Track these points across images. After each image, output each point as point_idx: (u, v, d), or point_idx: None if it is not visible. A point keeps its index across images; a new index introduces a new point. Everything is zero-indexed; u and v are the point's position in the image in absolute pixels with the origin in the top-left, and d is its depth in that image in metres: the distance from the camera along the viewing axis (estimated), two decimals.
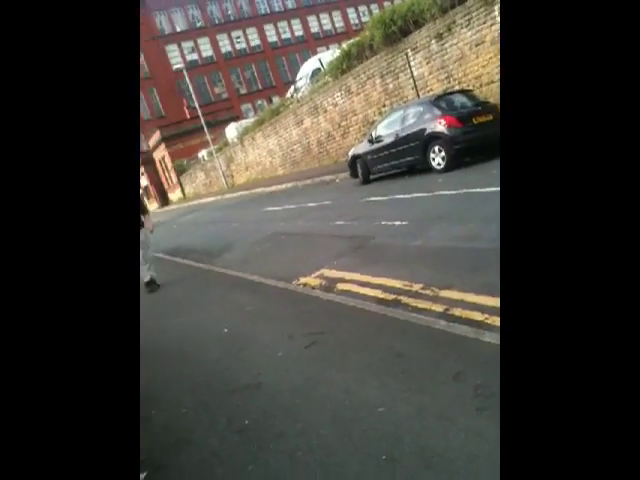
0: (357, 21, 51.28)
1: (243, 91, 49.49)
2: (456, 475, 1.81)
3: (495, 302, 3.18)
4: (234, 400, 2.90)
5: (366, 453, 2.06)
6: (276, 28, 50.38)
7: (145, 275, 6.29)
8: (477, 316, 3.09)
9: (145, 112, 46.06)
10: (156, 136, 39.76)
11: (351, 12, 52.66)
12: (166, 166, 40.81)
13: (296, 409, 2.58)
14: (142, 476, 2.44)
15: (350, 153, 11.45)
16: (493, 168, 7.23)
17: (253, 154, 24.88)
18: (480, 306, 3.20)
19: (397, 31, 12.76)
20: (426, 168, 9.27)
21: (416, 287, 3.92)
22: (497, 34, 10.30)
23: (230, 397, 2.95)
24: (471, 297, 3.39)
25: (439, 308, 3.40)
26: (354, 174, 11.27)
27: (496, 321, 2.95)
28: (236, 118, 35.22)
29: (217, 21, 48.76)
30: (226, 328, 4.20)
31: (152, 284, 6.41)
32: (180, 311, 5.11)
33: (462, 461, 1.86)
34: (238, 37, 49.25)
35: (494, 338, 2.63)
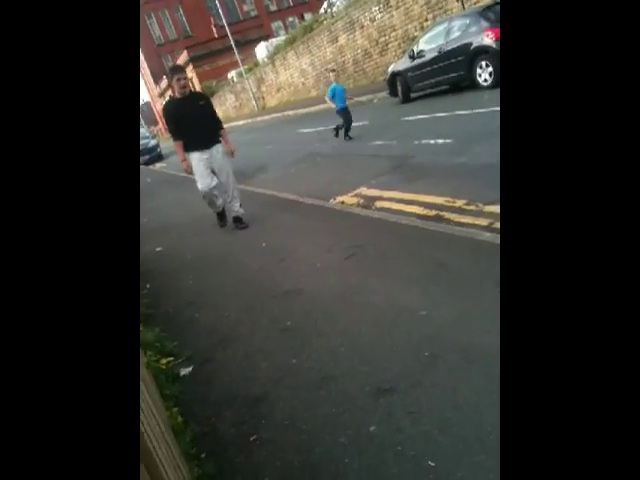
0: None
1: (273, 8, 47.15)
2: (497, 369, 1.83)
3: None
4: (276, 304, 2.97)
5: (408, 350, 2.10)
6: None
7: (231, 208, 4.89)
8: None
9: (171, 32, 44.77)
10: (183, 57, 38.81)
11: None
12: (194, 88, 40.17)
13: (337, 312, 2.63)
14: (188, 370, 2.58)
15: (389, 70, 10.93)
16: None
17: (285, 75, 24.12)
18: None
19: None
20: (472, 85, 8.80)
21: (459, 203, 3.83)
22: None
23: (272, 301, 3.02)
24: None
25: (483, 222, 3.32)
26: (393, 92, 10.82)
27: None
28: (266, 37, 33.85)
29: None
30: (264, 242, 4.24)
31: (239, 220, 4.91)
32: (218, 229, 5.18)
33: None
34: None
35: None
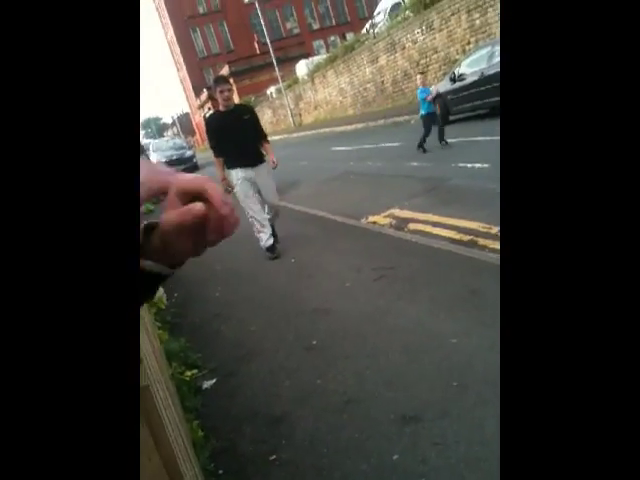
0: None
1: (316, 26, 47.98)
2: None
3: None
4: (302, 321, 2.94)
5: (437, 378, 2.04)
6: None
7: (265, 231, 4.36)
8: None
9: (214, 46, 45.96)
10: (224, 71, 39.68)
11: None
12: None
13: (365, 334, 2.58)
14: (211, 382, 2.57)
15: None
16: None
17: (323, 92, 24.39)
18: None
19: None
20: None
21: (495, 230, 3.75)
22: None
23: (298, 318, 3.00)
24: None
25: None
26: None
27: None
28: (307, 55, 34.40)
29: None
30: (293, 258, 4.24)
31: (273, 249, 4.37)
32: (250, 240, 5.21)
33: None
34: None
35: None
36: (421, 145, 7.97)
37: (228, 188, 4.29)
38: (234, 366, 2.62)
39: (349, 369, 2.29)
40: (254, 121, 4.32)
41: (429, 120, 7.94)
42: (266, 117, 34.17)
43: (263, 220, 4.36)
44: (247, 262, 4.54)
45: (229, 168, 4.28)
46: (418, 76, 8.63)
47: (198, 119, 48.47)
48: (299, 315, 3.04)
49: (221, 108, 4.20)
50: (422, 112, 8.04)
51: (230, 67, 38.57)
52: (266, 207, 4.47)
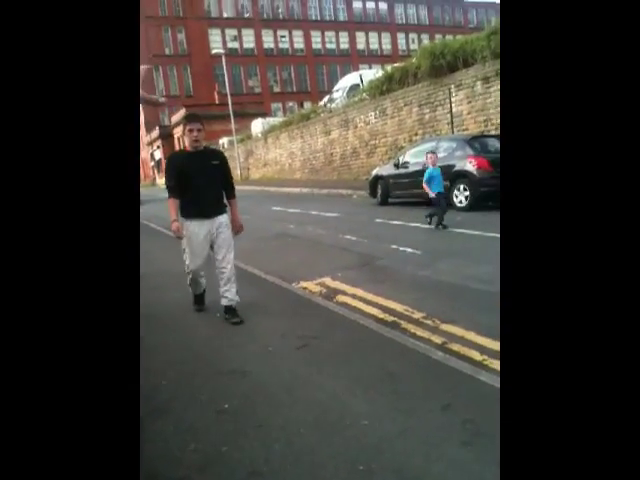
0: (405, 47, 51.74)
1: (276, 89, 49.83)
2: None
3: (496, 345, 3.16)
4: (218, 382, 2.87)
5: (344, 460, 2.04)
6: (323, 36, 50.83)
7: (224, 294, 3.91)
8: (476, 355, 3.07)
9: (174, 88, 46.34)
10: (180, 113, 39.92)
11: (401, 37, 53.17)
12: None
13: (280, 404, 2.55)
14: None
15: (373, 172, 11.50)
16: None
17: (274, 152, 24.97)
18: (480, 346, 3.18)
19: (444, 65, 12.88)
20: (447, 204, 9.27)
21: (418, 315, 3.90)
22: None
23: (214, 378, 2.92)
24: (472, 336, 3.37)
25: (438, 340, 3.38)
26: (373, 194, 11.31)
27: (494, 364, 2.92)
28: (264, 114, 35.37)
29: (266, 16, 49.18)
30: (218, 313, 4.17)
31: (232, 312, 3.92)
32: (175, 285, 5.09)
33: None
34: (283, 36, 49.66)
35: (490, 379, 2.60)
36: (440, 223, 7.45)
37: (178, 233, 3.70)
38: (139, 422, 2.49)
39: (258, 439, 2.23)
40: (223, 169, 3.90)
41: (442, 199, 7.59)
42: None
43: (199, 276, 4.05)
44: (169, 310, 4.41)
45: (183, 216, 3.80)
46: (428, 155, 7.95)
47: (145, 155, 47.76)
48: (215, 375, 2.96)
49: (188, 148, 3.82)
50: (432, 193, 7.59)
51: (187, 111, 38.78)
52: (215, 264, 3.92)
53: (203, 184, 3.73)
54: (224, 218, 3.88)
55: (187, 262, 3.98)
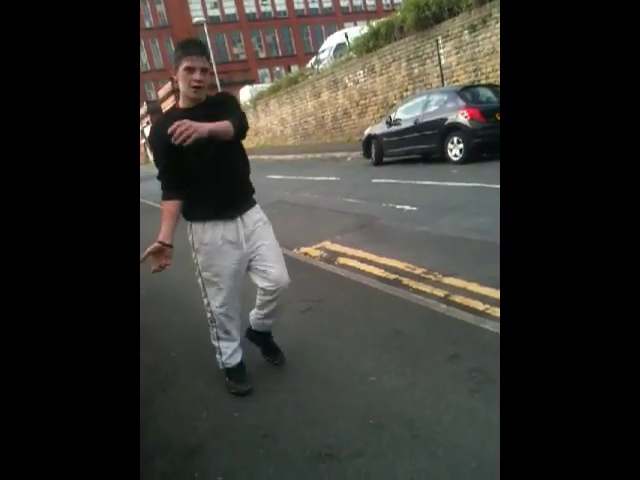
0: (389, 1, 50.28)
1: (262, 55, 48.70)
2: (441, 447, 1.83)
3: (498, 294, 3.18)
4: None
5: (355, 416, 2.07)
6: None
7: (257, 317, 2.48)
8: (478, 305, 3.09)
9: (158, 61, 45.32)
10: (167, 87, 39.06)
11: None
12: (176, 100, 40.26)
13: (288, 369, 2.58)
14: None
15: (366, 132, 11.32)
16: None
17: (264, 120, 24.60)
18: (483, 296, 3.20)
19: (430, 16, 12.54)
20: (442, 158, 9.19)
21: (419, 270, 3.91)
22: None
23: None
24: (474, 287, 3.38)
25: (440, 293, 3.39)
26: (367, 154, 11.17)
27: (498, 312, 2.95)
28: (251, 81, 34.67)
29: None
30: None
31: (241, 375, 2.47)
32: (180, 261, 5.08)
33: (449, 436, 1.87)
34: None
35: (494, 326, 2.63)
36: None
37: (155, 268, 2.11)
38: (150, 394, 2.52)
39: (270, 403, 2.27)
40: (240, 124, 2.11)
41: None
42: None
43: (233, 327, 2.41)
44: (172, 285, 4.42)
45: (191, 219, 2.22)
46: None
47: None
48: None
49: (181, 103, 2.13)
50: None
51: (173, 84, 38.00)
52: (259, 293, 2.35)
53: (215, 159, 2.09)
54: (258, 212, 2.33)
55: (206, 299, 2.36)
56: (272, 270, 2.27)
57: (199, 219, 2.20)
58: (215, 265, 2.23)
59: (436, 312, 2.96)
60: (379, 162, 10.78)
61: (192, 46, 2.04)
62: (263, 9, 48.42)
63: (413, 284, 3.67)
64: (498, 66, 11.03)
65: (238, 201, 2.26)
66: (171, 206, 2.15)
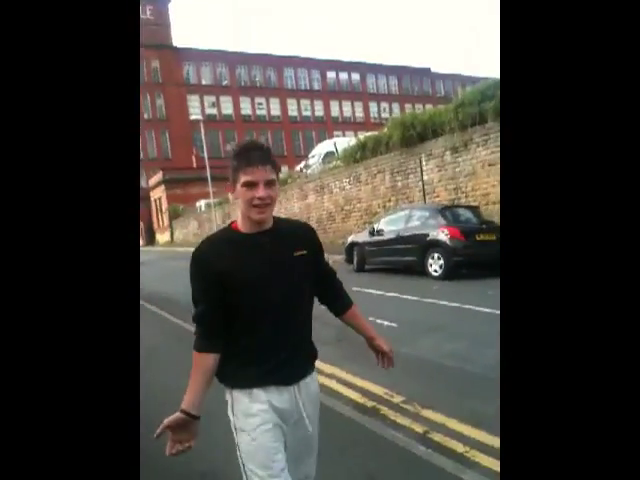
0: (377, 115, 53.98)
1: None
2: None
3: (478, 434, 3.07)
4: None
5: None
6: (298, 104, 52.72)
7: None
8: (458, 447, 2.96)
9: (152, 151, 46.93)
10: (158, 177, 40.27)
11: (373, 105, 55.56)
12: (161, 207, 41.12)
13: None
14: None
15: (349, 239, 11.59)
16: (489, 288, 7.28)
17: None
18: (462, 436, 3.07)
19: (415, 135, 13.38)
20: (422, 272, 9.34)
21: (397, 399, 3.79)
22: None
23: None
24: (454, 424, 3.26)
25: (419, 429, 3.25)
26: (349, 260, 11.35)
27: (476, 456, 2.82)
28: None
29: (243, 84, 50.96)
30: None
31: None
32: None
33: None
34: (260, 103, 51.29)
35: (472, 478, 2.49)
36: None
37: (182, 444, 1.54)
38: None
39: None
40: (316, 264, 1.79)
41: None
42: (191, 227, 34.28)
43: None
44: None
45: (231, 385, 1.62)
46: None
47: None
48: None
49: (241, 225, 1.65)
50: None
51: (164, 174, 39.12)
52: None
53: (280, 304, 1.61)
54: (315, 381, 1.76)
55: None
56: (303, 466, 1.69)
57: (247, 385, 1.57)
58: (256, 440, 1.53)
59: (414, 455, 2.81)
60: (361, 269, 10.91)
61: (254, 153, 1.54)
62: (258, 112, 51.44)
63: (391, 414, 3.53)
64: (477, 187, 11.65)
65: (299, 363, 1.67)
66: (208, 360, 1.55)
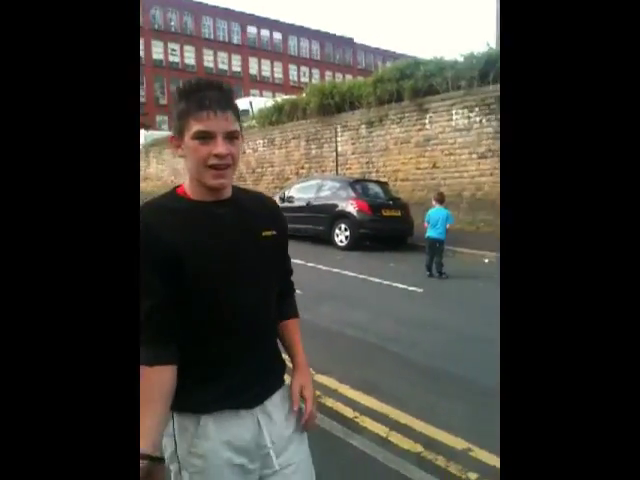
0: (296, 78, 53.20)
1: (163, 102, 48.16)
2: None
3: (368, 400, 3.23)
4: None
5: None
6: (215, 55, 50.46)
7: None
8: (349, 413, 3.11)
9: None
10: None
11: (292, 68, 54.64)
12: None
13: None
14: None
15: None
16: (391, 261, 7.61)
17: (156, 168, 23.98)
18: (353, 402, 3.23)
19: (333, 105, 13.41)
20: (328, 241, 9.52)
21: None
22: (422, 138, 11.19)
23: None
24: (346, 390, 3.41)
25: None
26: None
27: (365, 421, 2.98)
28: (147, 126, 33.87)
29: (156, 27, 47.69)
30: None
31: None
32: None
33: None
34: (174, 50, 48.37)
35: (361, 443, 2.64)
36: (429, 269, 7.00)
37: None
38: None
39: None
40: (282, 249, 1.38)
41: (434, 246, 6.92)
42: None
43: None
44: None
45: (183, 410, 1.12)
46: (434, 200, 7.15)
47: None
48: None
49: (190, 192, 1.19)
50: (426, 234, 7.04)
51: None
52: None
53: (249, 305, 1.18)
54: (282, 392, 1.29)
55: None
56: None
57: (195, 407, 1.13)
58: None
59: None
60: None
61: (209, 93, 1.10)
62: (171, 59, 48.48)
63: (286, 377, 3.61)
64: (388, 163, 12.01)
65: (263, 378, 1.22)
66: (165, 375, 1.07)
